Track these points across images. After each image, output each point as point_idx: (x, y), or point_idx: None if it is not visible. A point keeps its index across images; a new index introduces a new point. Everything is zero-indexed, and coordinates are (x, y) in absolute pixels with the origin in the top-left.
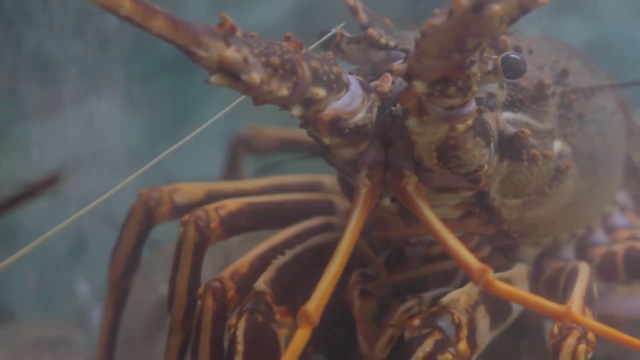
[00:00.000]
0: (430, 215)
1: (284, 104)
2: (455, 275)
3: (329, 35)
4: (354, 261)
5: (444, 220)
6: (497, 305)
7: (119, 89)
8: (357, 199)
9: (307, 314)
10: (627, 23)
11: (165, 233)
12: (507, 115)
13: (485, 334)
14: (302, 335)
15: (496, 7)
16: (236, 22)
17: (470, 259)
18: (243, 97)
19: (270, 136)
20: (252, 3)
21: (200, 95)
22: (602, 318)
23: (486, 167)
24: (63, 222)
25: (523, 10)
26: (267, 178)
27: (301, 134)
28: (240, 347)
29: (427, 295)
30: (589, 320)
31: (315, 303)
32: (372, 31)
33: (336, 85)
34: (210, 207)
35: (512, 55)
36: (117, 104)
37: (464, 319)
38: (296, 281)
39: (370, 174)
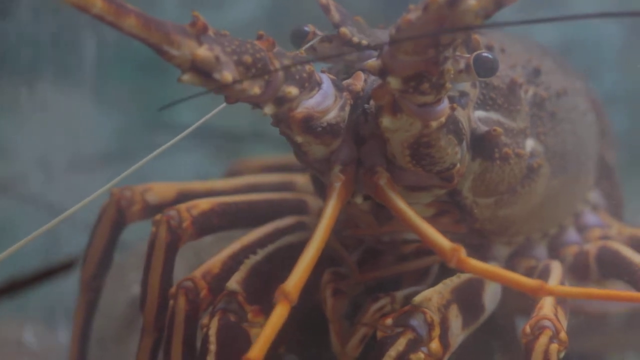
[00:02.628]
0: (403, 205)
1: (256, 103)
2: (428, 274)
3: (315, 40)
4: (327, 260)
5: None
6: (469, 304)
7: (92, 89)
8: (332, 192)
9: (285, 291)
10: (598, 23)
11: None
12: (480, 113)
13: (458, 333)
14: (280, 312)
15: (471, 2)
16: (209, 21)
17: (442, 240)
18: (224, 104)
19: (257, 165)
20: (225, 2)
21: (174, 95)
22: (574, 312)
23: (458, 165)
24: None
25: (498, 5)
26: (240, 177)
27: (285, 158)
28: (212, 347)
29: (400, 294)
30: (564, 288)
31: (294, 282)
32: (344, 30)
33: (308, 84)
34: (182, 206)
35: (485, 54)
36: (90, 104)
37: (436, 318)
38: (268, 280)
39: (343, 169)
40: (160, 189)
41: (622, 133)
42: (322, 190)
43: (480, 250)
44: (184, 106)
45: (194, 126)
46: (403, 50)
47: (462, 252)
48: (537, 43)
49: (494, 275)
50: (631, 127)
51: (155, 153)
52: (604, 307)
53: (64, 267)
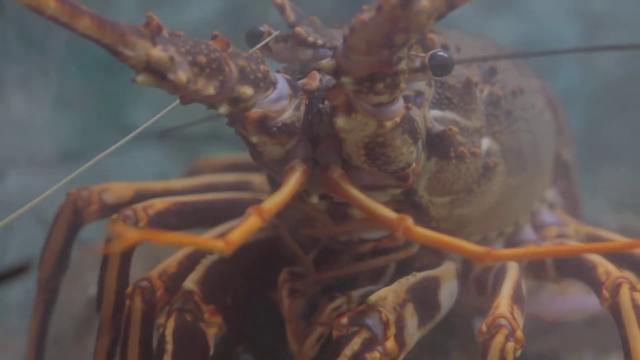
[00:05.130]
0: (354, 191)
1: (211, 103)
2: (385, 273)
3: (271, 37)
4: (283, 260)
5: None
6: (425, 303)
7: (49, 87)
8: (291, 175)
9: (260, 209)
10: (556, 21)
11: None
12: (435, 113)
13: (414, 332)
14: (253, 222)
15: (424, 3)
16: (165, 22)
17: (389, 212)
18: (178, 100)
19: (218, 164)
20: (181, 2)
21: (133, 95)
22: (532, 319)
23: (414, 165)
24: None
25: (451, 6)
26: (197, 177)
27: (246, 157)
28: (169, 347)
29: (356, 294)
30: (509, 251)
31: (270, 205)
32: (299, 29)
33: (263, 84)
34: (139, 206)
35: (440, 53)
36: (47, 102)
37: (391, 317)
38: (225, 280)
39: (300, 164)
40: (117, 189)
41: (579, 131)
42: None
43: (436, 250)
44: (142, 105)
45: (144, 125)
46: (357, 50)
47: (409, 221)
48: (493, 42)
49: (441, 242)
50: (588, 126)
51: (108, 151)
52: (561, 314)
53: (18, 271)
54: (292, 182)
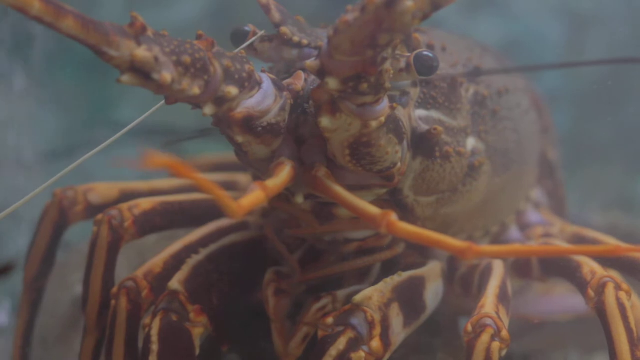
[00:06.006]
0: (338, 188)
1: (196, 103)
2: (370, 273)
3: (257, 37)
4: (268, 260)
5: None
6: (410, 303)
7: (36, 87)
8: (281, 169)
9: (265, 185)
10: (540, 21)
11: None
12: (420, 112)
13: (399, 332)
14: (258, 194)
15: (408, 3)
16: (151, 22)
17: (373, 209)
18: (162, 102)
19: (204, 164)
20: (167, 3)
21: (117, 94)
22: (517, 320)
23: (399, 164)
24: None
25: (435, 6)
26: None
27: (231, 156)
28: (154, 347)
29: (341, 293)
30: (492, 248)
31: (273, 185)
32: (284, 29)
33: (248, 84)
34: (124, 206)
35: (425, 53)
36: (34, 102)
37: (377, 317)
38: (210, 280)
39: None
40: (102, 189)
41: (565, 131)
42: None
43: (421, 249)
44: (126, 104)
45: (132, 124)
46: (341, 51)
47: (392, 216)
48: (478, 42)
49: (423, 237)
50: (574, 125)
51: (95, 151)
52: (547, 315)
53: (2, 272)
54: (286, 172)
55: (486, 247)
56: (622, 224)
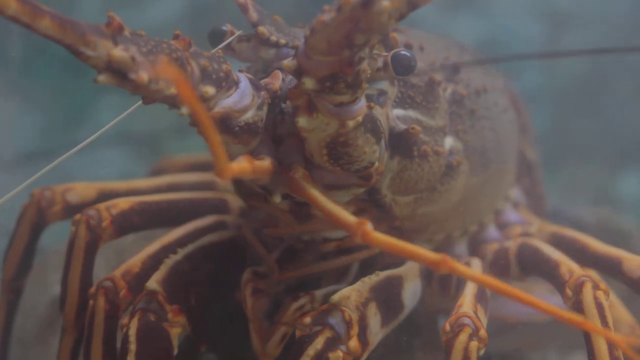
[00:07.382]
0: (315, 192)
1: (173, 102)
2: (348, 272)
3: (234, 36)
4: (246, 259)
5: None
6: (388, 302)
7: (14, 88)
8: (262, 160)
9: (252, 160)
10: (519, 20)
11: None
12: (398, 112)
13: (377, 331)
14: (245, 164)
15: (385, 3)
16: (128, 22)
17: (349, 217)
18: (140, 102)
19: (182, 163)
20: (145, 3)
21: (96, 94)
22: (494, 320)
23: (377, 164)
24: None
25: (412, 6)
26: (161, 177)
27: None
28: (132, 347)
29: (319, 293)
30: (463, 267)
31: (259, 163)
32: (262, 29)
33: (225, 83)
34: (102, 205)
35: (402, 52)
36: (12, 103)
37: (354, 317)
38: (188, 280)
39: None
40: (81, 189)
41: (544, 129)
42: (241, 190)
43: None
44: (105, 105)
45: (110, 124)
46: (317, 50)
47: (368, 226)
48: (456, 41)
49: (398, 248)
50: (553, 124)
51: (72, 151)
52: (525, 315)
53: None
54: (267, 163)
55: (459, 265)
56: (611, 220)
